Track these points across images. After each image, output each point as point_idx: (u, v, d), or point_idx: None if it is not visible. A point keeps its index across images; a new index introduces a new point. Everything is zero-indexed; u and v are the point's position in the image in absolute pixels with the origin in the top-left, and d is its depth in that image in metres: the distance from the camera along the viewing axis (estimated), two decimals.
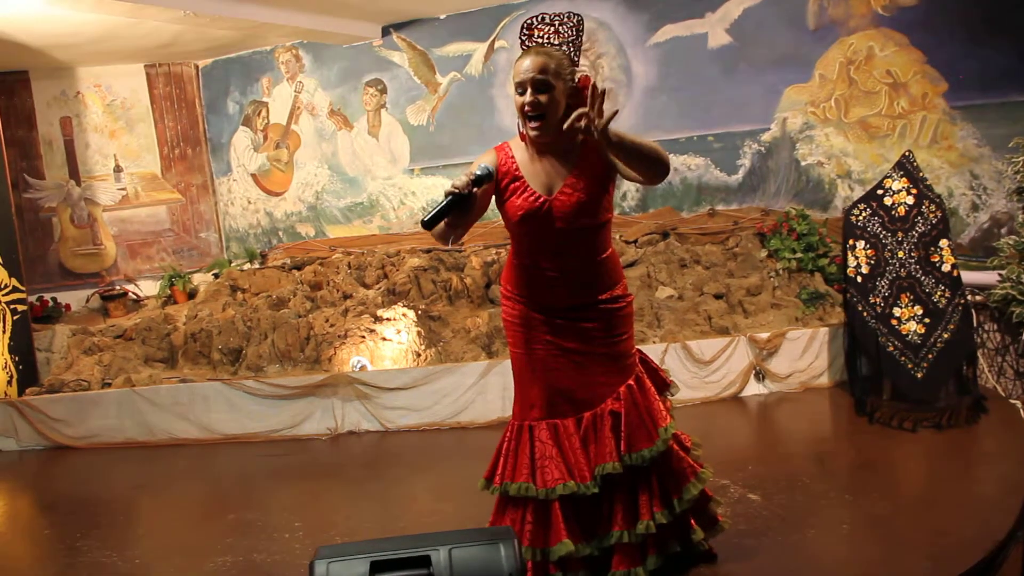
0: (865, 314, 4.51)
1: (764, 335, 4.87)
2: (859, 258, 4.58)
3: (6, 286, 5.53)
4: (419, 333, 5.20)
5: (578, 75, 2.43)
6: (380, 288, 5.81)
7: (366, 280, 6.13)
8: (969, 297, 4.51)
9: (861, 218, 4.60)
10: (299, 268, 6.54)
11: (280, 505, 3.88)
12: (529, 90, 2.35)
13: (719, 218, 5.94)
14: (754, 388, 4.90)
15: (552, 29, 2.44)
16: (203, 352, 5.51)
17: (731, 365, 4.85)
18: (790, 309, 5.15)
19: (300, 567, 3.06)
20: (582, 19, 2.45)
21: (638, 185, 6.13)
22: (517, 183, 2.46)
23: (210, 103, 7.32)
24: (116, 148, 7.17)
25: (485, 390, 4.78)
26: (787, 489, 3.41)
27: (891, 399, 4.36)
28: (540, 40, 2.44)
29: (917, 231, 4.50)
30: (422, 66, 6.60)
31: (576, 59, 2.44)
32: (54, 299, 6.75)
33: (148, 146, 7.23)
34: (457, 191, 2.25)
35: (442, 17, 6.47)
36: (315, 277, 6.26)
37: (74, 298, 6.95)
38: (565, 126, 2.23)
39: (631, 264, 5.60)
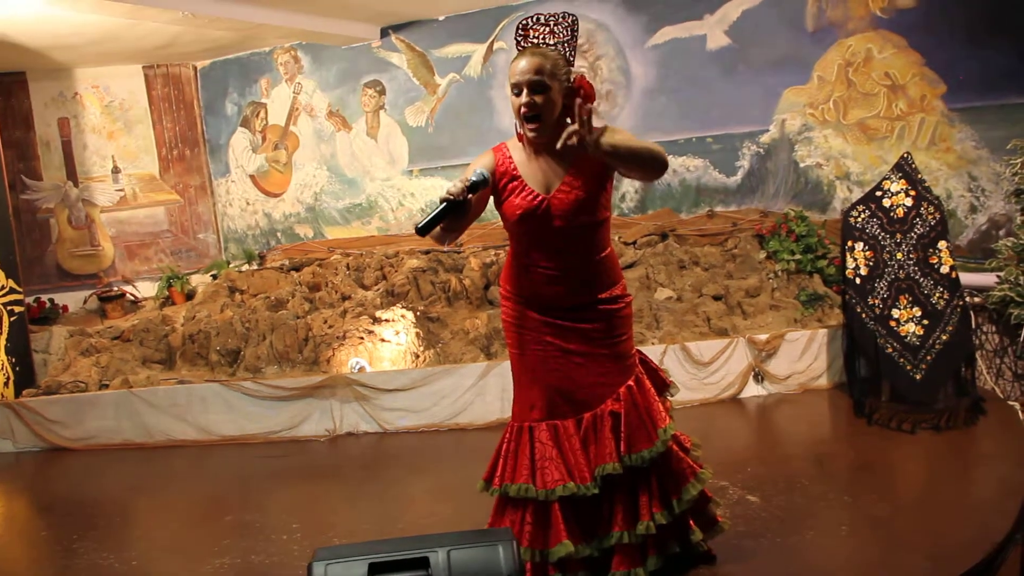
0: (864, 316, 4.51)
1: (763, 337, 4.87)
2: (858, 260, 4.59)
3: (3, 287, 5.52)
4: (418, 334, 5.19)
5: (573, 75, 2.44)
6: (379, 289, 5.81)
7: (365, 281, 6.13)
8: (967, 299, 4.51)
9: (860, 220, 4.60)
10: (297, 269, 6.53)
11: (278, 507, 3.87)
12: (525, 91, 2.36)
13: (718, 219, 5.95)
14: (753, 390, 4.90)
15: (547, 29, 2.45)
16: (201, 353, 5.50)
17: (730, 366, 4.85)
18: (789, 311, 5.15)
19: (298, 569, 3.05)
20: (577, 19, 2.47)
21: (637, 187, 6.16)
22: (515, 183, 2.47)
23: (208, 104, 7.32)
24: (114, 149, 7.16)
25: (484, 391, 4.77)
26: (786, 490, 3.41)
27: (890, 400, 4.36)
28: (535, 40, 2.45)
29: (916, 233, 4.50)
30: (421, 67, 6.60)
31: (572, 59, 2.45)
32: (51, 300, 6.73)
33: (146, 147, 7.23)
34: (452, 198, 2.25)
35: (441, 18, 6.47)
36: (313, 278, 6.25)
37: (71, 299, 6.94)
38: (558, 145, 2.25)
39: (630, 265, 5.59)
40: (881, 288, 4.52)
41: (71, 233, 7.10)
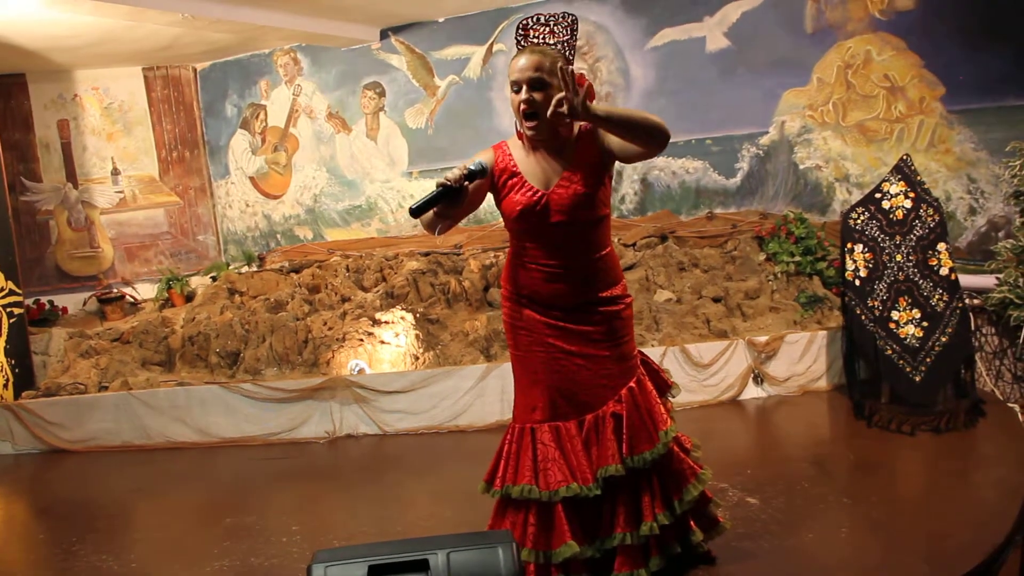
0: (863, 317, 4.52)
1: (762, 338, 4.87)
2: (857, 261, 4.59)
3: (3, 289, 5.52)
4: (417, 336, 5.19)
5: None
6: (378, 291, 5.80)
7: (364, 283, 6.13)
8: (967, 301, 4.51)
9: (859, 222, 4.60)
10: (297, 271, 6.53)
11: (278, 509, 3.87)
12: (524, 88, 2.38)
13: (717, 221, 5.95)
14: (752, 391, 4.90)
15: (547, 29, 2.47)
16: (200, 355, 5.50)
17: (729, 368, 4.85)
18: (788, 312, 5.15)
19: (298, 571, 3.05)
20: (576, 19, 2.49)
21: (637, 188, 6.17)
22: (515, 179, 2.48)
23: (208, 106, 7.32)
24: (114, 151, 7.16)
25: (483, 393, 4.77)
26: (785, 492, 3.41)
27: (889, 402, 4.36)
28: (535, 40, 2.47)
29: (915, 235, 4.50)
30: (420, 69, 6.61)
31: (571, 58, 2.47)
32: (51, 302, 6.73)
33: (146, 149, 7.22)
34: (448, 183, 2.27)
35: (440, 20, 6.47)
36: (313, 280, 6.25)
37: (71, 301, 6.93)
38: (548, 113, 2.26)
39: (630, 267, 5.60)
40: (880, 290, 4.52)
41: (71, 235, 7.10)
